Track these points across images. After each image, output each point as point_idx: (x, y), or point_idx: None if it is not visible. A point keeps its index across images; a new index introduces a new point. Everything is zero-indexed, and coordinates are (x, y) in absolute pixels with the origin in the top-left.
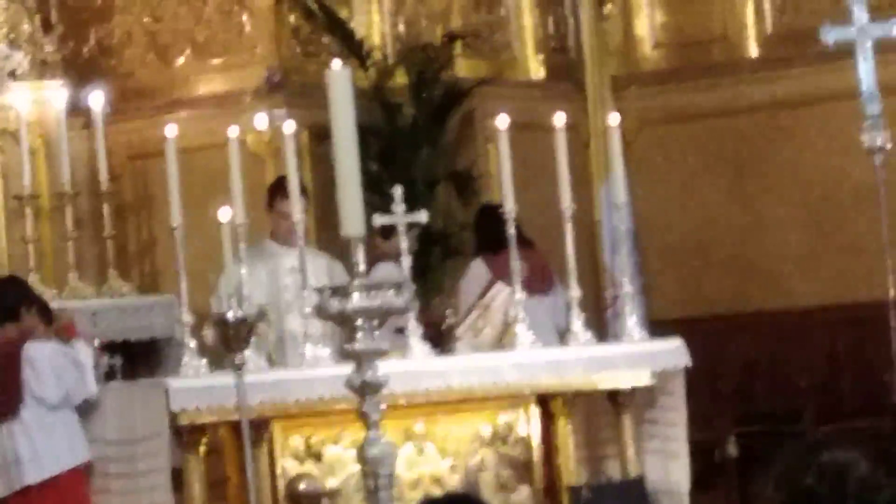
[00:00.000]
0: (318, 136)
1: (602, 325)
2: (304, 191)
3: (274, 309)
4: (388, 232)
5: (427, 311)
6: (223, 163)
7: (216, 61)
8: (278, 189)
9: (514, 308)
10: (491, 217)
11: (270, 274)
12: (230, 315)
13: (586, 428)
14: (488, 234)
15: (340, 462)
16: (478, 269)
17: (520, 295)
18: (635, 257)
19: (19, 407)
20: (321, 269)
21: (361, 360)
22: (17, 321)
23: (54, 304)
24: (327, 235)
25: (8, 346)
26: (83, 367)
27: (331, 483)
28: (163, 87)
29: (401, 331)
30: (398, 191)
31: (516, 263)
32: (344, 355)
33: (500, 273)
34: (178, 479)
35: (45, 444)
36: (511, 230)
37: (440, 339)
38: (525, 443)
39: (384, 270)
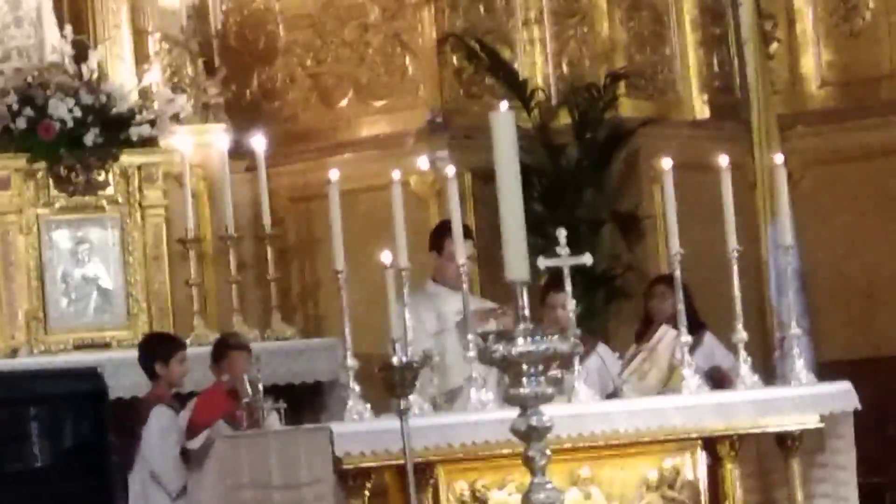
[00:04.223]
0: (482, 178)
1: (769, 368)
2: (469, 234)
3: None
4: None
5: None
6: (386, 205)
7: (379, 103)
8: (448, 231)
9: (680, 351)
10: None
11: (438, 318)
12: (395, 360)
13: (754, 472)
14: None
15: None
16: None
17: (686, 338)
18: (803, 298)
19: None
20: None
21: (526, 405)
22: (156, 379)
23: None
24: (490, 279)
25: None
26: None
27: None
28: (325, 130)
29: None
30: (562, 233)
31: (681, 305)
32: (508, 400)
33: None
34: None
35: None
36: (677, 272)
37: None
38: (692, 487)
39: None
